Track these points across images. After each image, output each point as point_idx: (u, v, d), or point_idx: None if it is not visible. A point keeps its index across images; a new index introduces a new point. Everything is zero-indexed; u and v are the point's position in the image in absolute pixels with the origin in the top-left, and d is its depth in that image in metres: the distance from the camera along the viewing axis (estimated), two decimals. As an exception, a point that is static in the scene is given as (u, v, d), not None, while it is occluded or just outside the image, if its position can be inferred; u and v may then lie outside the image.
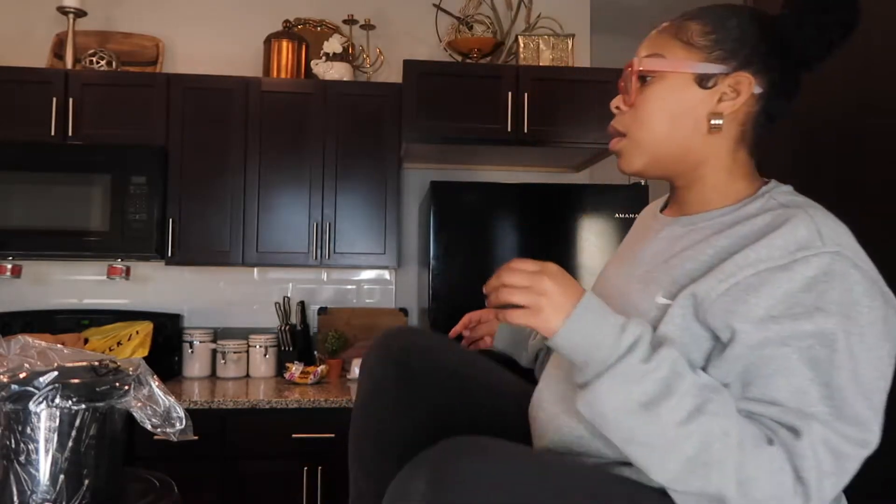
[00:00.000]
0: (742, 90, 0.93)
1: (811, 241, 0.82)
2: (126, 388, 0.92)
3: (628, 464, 0.89)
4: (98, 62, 2.82)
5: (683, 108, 0.95)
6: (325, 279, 3.18)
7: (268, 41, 2.95)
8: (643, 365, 0.80)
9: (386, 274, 3.21)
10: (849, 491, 0.86)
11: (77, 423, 0.88)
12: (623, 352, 0.81)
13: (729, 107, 0.93)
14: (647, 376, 0.80)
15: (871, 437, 0.79)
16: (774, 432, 0.79)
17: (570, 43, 2.94)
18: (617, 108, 1.01)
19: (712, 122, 0.93)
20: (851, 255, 0.82)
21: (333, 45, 2.93)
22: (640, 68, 0.97)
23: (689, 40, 0.95)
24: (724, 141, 0.95)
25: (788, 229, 0.84)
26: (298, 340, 3.00)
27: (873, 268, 0.84)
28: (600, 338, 0.82)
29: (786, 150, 1.44)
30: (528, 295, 0.83)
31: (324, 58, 2.94)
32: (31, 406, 0.86)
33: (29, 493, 0.86)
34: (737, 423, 0.79)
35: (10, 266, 2.89)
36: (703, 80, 0.94)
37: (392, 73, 3.11)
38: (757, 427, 0.80)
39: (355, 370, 2.89)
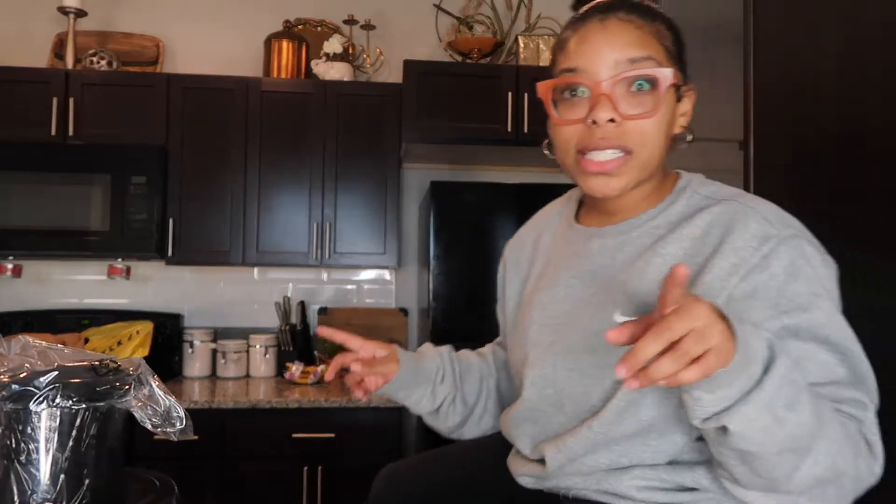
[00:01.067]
0: (692, 103, 0.96)
1: (766, 230, 0.84)
2: (126, 387, 0.92)
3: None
4: (98, 62, 2.82)
5: (669, 122, 0.92)
6: (325, 279, 3.18)
7: (268, 41, 2.95)
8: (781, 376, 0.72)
9: (386, 274, 3.21)
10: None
11: (77, 422, 0.88)
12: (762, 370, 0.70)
13: (686, 119, 0.95)
14: (785, 384, 0.71)
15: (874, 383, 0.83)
16: (847, 412, 0.80)
17: (570, 43, 2.93)
18: (612, 121, 0.87)
19: (687, 135, 0.95)
20: (800, 232, 0.86)
21: (333, 45, 2.93)
22: (650, 74, 0.86)
23: (668, 48, 0.91)
24: (668, 148, 0.95)
25: (741, 228, 0.85)
26: (298, 340, 3.00)
27: (814, 238, 0.88)
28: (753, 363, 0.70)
29: (786, 150, 1.44)
30: (697, 346, 0.64)
31: (324, 58, 2.94)
32: (32, 406, 0.86)
33: (29, 492, 0.86)
34: (837, 414, 0.78)
35: (10, 266, 2.89)
36: (678, 91, 0.93)
37: (392, 73, 3.11)
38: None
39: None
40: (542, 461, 0.99)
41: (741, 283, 0.83)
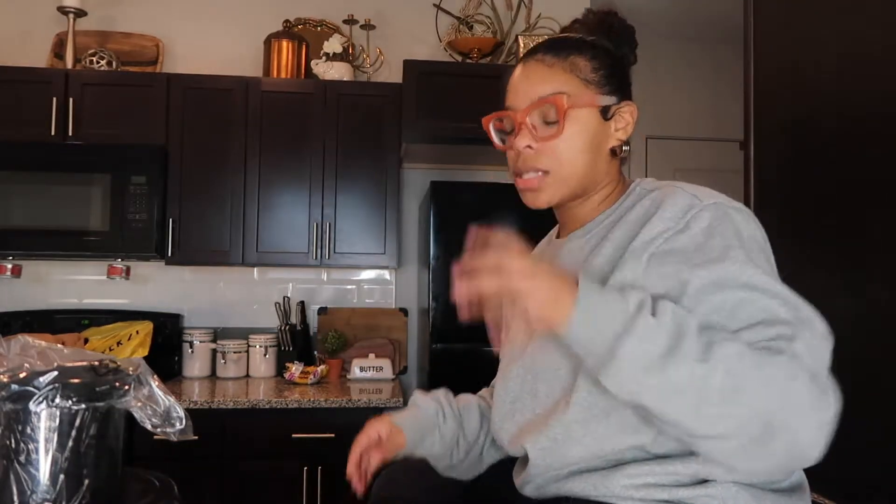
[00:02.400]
0: (630, 117, 1.05)
1: (692, 202, 0.93)
2: (126, 388, 0.92)
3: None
4: (98, 62, 2.83)
5: (596, 140, 1.03)
6: (325, 279, 3.18)
7: (268, 41, 2.95)
8: (653, 320, 0.80)
9: (386, 274, 3.21)
10: (850, 489, 0.86)
11: (77, 422, 0.88)
12: (632, 314, 0.81)
13: (625, 133, 1.05)
14: (660, 329, 0.80)
15: (820, 323, 0.85)
16: (769, 346, 0.81)
17: (570, 43, 2.94)
18: (528, 146, 1.02)
19: (624, 148, 1.05)
20: (726, 202, 0.94)
21: (333, 45, 2.93)
22: (551, 102, 1.00)
23: (585, 77, 1.02)
24: (614, 160, 1.06)
25: (670, 202, 0.95)
26: (298, 340, 3.00)
27: (742, 205, 0.96)
28: (610, 313, 0.81)
29: (786, 150, 1.44)
30: (520, 281, 0.83)
31: (324, 58, 2.94)
32: (31, 406, 0.86)
33: (29, 492, 0.86)
34: (743, 345, 0.80)
35: (10, 266, 2.89)
36: (604, 113, 1.03)
37: (392, 73, 3.11)
38: (757, 348, 0.81)
39: (355, 370, 2.89)
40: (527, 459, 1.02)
41: (664, 244, 0.91)
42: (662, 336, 0.79)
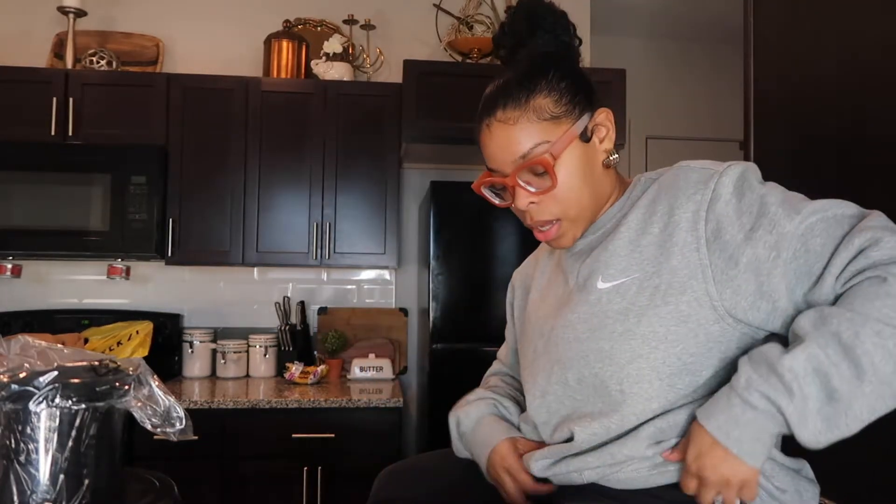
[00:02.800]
0: (608, 122, 1.05)
1: (706, 173, 0.96)
2: (126, 388, 0.92)
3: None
4: (98, 62, 2.83)
5: (588, 167, 1.02)
6: (325, 279, 3.18)
7: (268, 41, 2.95)
8: (783, 387, 0.83)
9: (386, 274, 3.21)
10: (852, 488, 0.86)
11: (77, 422, 0.88)
12: (767, 410, 0.84)
13: (609, 140, 1.05)
14: (801, 387, 0.82)
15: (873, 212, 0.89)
16: (866, 276, 0.83)
17: (570, 43, 2.93)
18: (532, 202, 1.02)
19: (611, 157, 1.04)
20: (733, 162, 0.97)
21: (333, 45, 2.93)
22: (541, 156, 0.99)
23: (552, 115, 1.00)
24: (608, 170, 1.07)
25: (685, 181, 0.97)
26: (298, 340, 3.00)
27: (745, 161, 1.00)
28: (751, 422, 0.85)
29: (786, 150, 1.44)
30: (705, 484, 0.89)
31: (324, 58, 2.94)
32: (31, 406, 0.86)
33: (29, 492, 0.86)
34: (854, 313, 0.82)
35: (10, 266, 2.89)
36: (583, 136, 1.02)
37: (392, 73, 3.11)
38: (859, 284, 0.84)
39: (355, 370, 2.89)
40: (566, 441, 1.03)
41: (706, 224, 0.93)
42: (812, 390, 0.81)
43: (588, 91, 1.04)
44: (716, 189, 0.93)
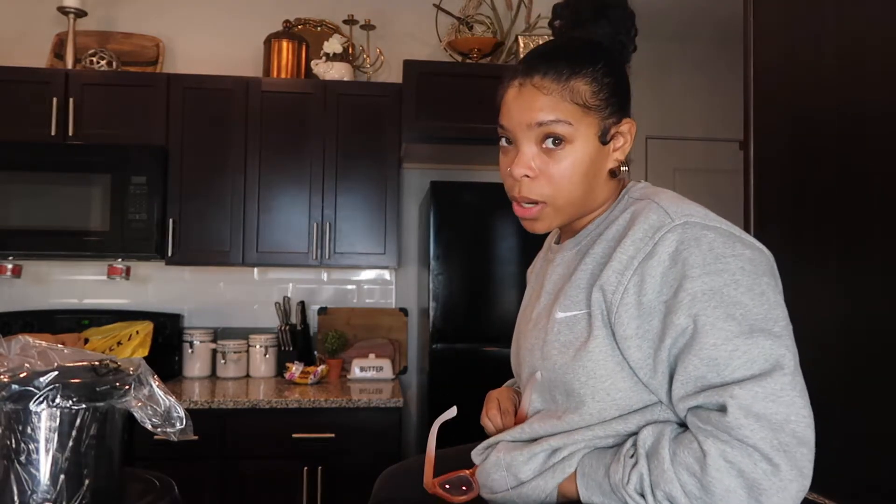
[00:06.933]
0: (629, 134, 1.03)
1: (662, 221, 0.92)
2: (126, 388, 0.92)
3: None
4: (98, 62, 2.83)
5: (594, 166, 1.00)
6: (325, 279, 3.18)
7: (268, 41, 2.96)
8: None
9: (386, 274, 3.21)
10: (850, 489, 0.86)
11: (77, 423, 0.88)
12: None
13: (622, 152, 1.03)
14: None
15: (786, 357, 0.84)
16: (702, 427, 0.84)
17: (570, 43, 2.94)
18: (527, 175, 0.99)
19: (622, 168, 1.03)
20: (700, 220, 0.91)
21: (333, 45, 2.93)
22: (559, 132, 0.97)
23: (584, 103, 0.98)
24: (612, 180, 1.04)
25: (642, 220, 0.94)
26: (298, 340, 3.00)
27: (727, 223, 0.93)
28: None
29: (786, 150, 1.44)
30: None
31: (324, 58, 2.94)
32: (32, 406, 0.86)
33: (29, 492, 0.86)
34: (672, 474, 0.85)
35: (10, 266, 2.89)
36: (603, 136, 1.00)
37: (392, 73, 3.11)
38: (686, 449, 0.85)
39: (355, 370, 2.89)
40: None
41: (633, 275, 0.91)
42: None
43: (625, 97, 1.02)
44: (657, 244, 0.90)
